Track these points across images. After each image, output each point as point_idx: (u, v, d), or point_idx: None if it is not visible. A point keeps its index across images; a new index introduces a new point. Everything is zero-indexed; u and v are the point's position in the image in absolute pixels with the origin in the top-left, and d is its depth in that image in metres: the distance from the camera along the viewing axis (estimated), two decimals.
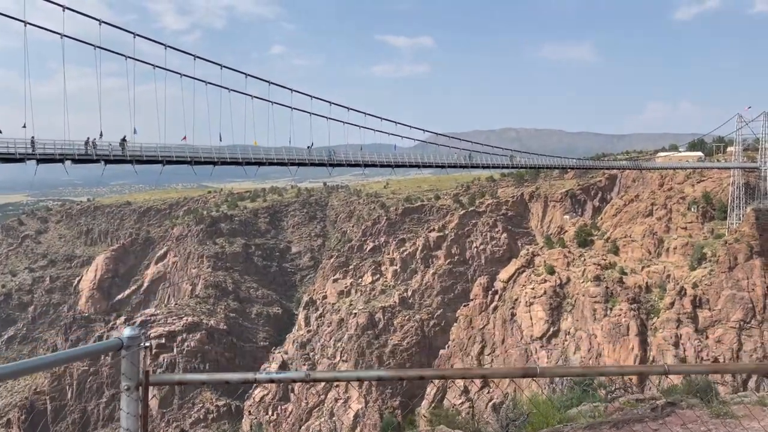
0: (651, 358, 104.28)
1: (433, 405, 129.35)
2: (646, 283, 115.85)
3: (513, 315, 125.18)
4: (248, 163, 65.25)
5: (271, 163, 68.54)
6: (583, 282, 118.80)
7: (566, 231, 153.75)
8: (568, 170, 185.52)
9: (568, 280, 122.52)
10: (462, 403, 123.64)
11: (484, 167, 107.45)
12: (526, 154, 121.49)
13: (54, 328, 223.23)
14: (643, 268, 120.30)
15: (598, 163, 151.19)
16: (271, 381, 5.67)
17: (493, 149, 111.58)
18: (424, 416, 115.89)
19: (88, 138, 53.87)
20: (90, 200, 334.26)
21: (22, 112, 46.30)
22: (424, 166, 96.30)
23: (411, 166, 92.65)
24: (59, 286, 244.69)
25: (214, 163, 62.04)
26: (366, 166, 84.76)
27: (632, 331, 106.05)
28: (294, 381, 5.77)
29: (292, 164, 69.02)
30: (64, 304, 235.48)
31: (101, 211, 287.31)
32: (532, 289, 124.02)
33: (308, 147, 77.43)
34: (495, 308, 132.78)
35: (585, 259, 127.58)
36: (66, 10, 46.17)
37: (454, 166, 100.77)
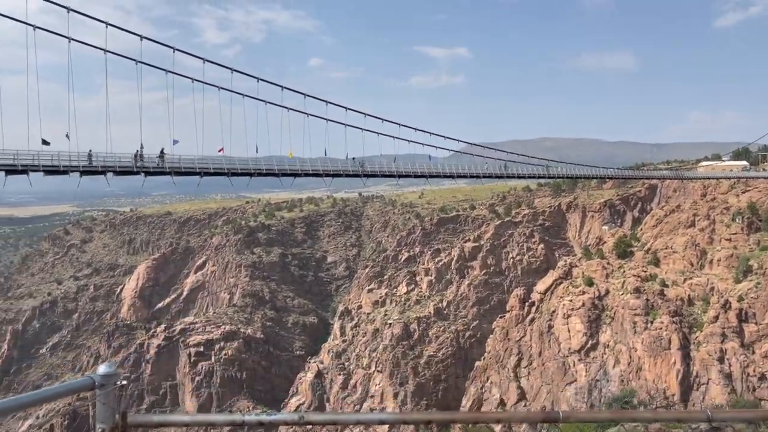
0: (694, 373, 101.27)
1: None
2: (689, 295, 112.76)
3: (550, 327, 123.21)
4: (284, 174, 66.07)
5: (307, 174, 69.29)
6: (622, 294, 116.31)
7: (605, 242, 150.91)
8: (607, 180, 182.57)
9: (607, 292, 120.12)
10: None
11: (520, 177, 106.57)
12: (564, 163, 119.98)
13: (97, 335, 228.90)
14: (685, 280, 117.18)
15: (637, 173, 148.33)
16: (261, 424, 5.21)
17: (529, 159, 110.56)
18: (460, 428, 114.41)
19: (137, 151, 55.44)
20: (132, 210, 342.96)
21: (68, 125, 47.99)
22: (459, 177, 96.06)
23: (446, 176, 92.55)
24: (103, 294, 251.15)
25: (251, 175, 63.01)
26: (400, 176, 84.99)
27: (674, 344, 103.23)
28: (287, 424, 5.27)
29: (327, 175, 69.65)
30: (107, 311, 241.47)
31: (143, 221, 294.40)
32: (570, 300, 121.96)
33: (353, 159, 78.06)
34: (532, 320, 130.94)
35: (624, 271, 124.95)
36: (108, 26, 47.72)
37: (490, 176, 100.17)
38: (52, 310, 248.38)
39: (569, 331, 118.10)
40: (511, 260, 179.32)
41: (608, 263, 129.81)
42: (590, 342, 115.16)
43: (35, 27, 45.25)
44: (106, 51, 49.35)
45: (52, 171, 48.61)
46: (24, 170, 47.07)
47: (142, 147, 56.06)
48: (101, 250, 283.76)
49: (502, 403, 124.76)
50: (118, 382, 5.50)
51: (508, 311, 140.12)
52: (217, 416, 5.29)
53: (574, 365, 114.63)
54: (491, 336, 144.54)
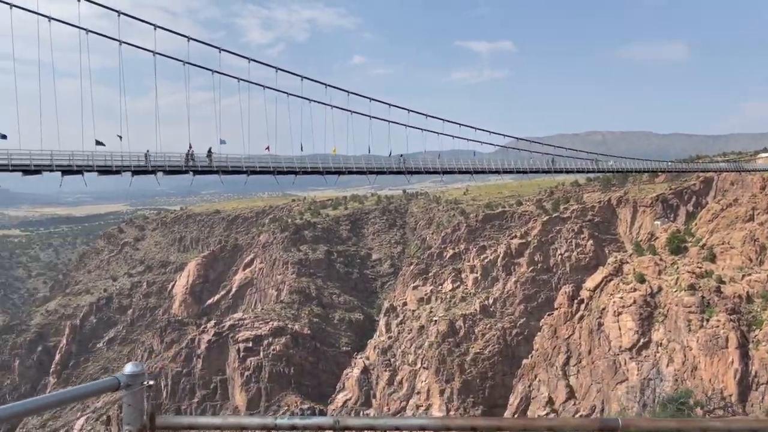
0: (753, 373, 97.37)
1: (515, 416, 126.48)
2: (747, 292, 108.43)
3: (600, 325, 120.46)
4: (328, 172, 66.50)
5: (351, 172, 69.56)
6: (676, 291, 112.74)
7: (657, 237, 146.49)
8: (659, 174, 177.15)
9: (660, 289, 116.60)
10: (546, 414, 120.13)
11: (567, 172, 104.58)
12: (613, 157, 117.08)
13: (151, 330, 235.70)
14: (743, 276, 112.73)
15: (692, 166, 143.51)
16: (294, 428, 4.84)
17: (577, 153, 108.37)
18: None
19: (189, 151, 56.68)
20: (182, 209, 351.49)
21: (120, 126, 49.37)
22: (505, 172, 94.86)
23: (491, 172, 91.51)
24: (155, 291, 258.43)
25: (296, 173, 63.64)
26: (445, 173, 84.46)
27: (732, 343, 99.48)
28: (322, 429, 4.99)
29: (371, 172, 69.74)
30: (159, 307, 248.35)
31: (193, 220, 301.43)
32: (621, 298, 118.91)
33: (401, 156, 77.97)
34: (581, 318, 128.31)
35: (678, 267, 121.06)
36: (157, 28, 48.81)
37: (537, 172, 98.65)
38: (108, 305, 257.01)
39: (620, 329, 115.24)
40: (559, 257, 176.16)
41: (661, 259, 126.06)
42: (642, 340, 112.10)
43: (88, 31, 46.65)
44: (155, 53, 50.51)
45: (105, 171, 50.13)
46: (79, 170, 48.66)
47: (190, 147, 57.25)
48: (153, 247, 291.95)
49: (550, 401, 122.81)
50: (145, 382, 5.20)
51: (556, 309, 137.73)
52: (249, 419, 4.95)
53: (625, 364, 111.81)
54: (539, 334, 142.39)
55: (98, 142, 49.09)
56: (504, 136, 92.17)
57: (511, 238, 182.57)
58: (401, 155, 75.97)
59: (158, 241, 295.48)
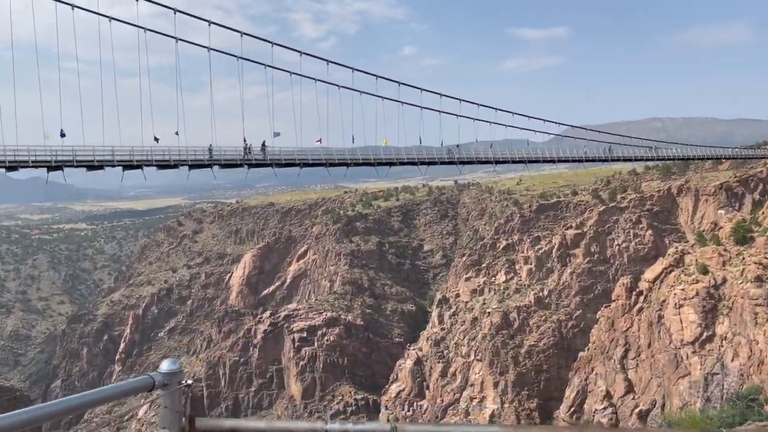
0: None
1: (572, 409, 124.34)
2: None
3: (660, 317, 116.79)
4: (380, 164, 66.59)
5: (402, 163, 69.45)
6: (741, 283, 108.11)
7: (721, 227, 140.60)
8: (723, 161, 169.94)
9: (724, 280, 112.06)
10: (604, 408, 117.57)
11: (625, 160, 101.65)
12: (674, 144, 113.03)
13: (209, 320, 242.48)
14: None
15: (758, 152, 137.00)
16: None
17: (635, 140, 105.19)
18: (563, 420, 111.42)
19: (247, 144, 57.85)
20: (238, 202, 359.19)
21: (177, 122, 50.75)
22: (560, 161, 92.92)
23: (545, 161, 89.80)
24: (213, 282, 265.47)
25: (347, 164, 63.99)
26: (498, 163, 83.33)
27: None
28: None
29: (423, 163, 69.47)
30: (217, 298, 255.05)
31: (248, 212, 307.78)
32: (682, 290, 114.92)
33: (456, 146, 77.42)
34: (640, 310, 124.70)
35: (744, 258, 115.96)
36: (211, 24, 49.77)
37: (593, 160, 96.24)
38: (168, 296, 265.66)
39: (681, 321, 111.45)
40: (617, 247, 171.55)
41: (725, 250, 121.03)
42: (705, 333, 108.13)
43: (146, 29, 48.00)
44: (209, 49, 51.58)
45: (163, 165, 51.66)
46: (139, 165, 50.31)
47: (245, 141, 58.31)
48: (211, 240, 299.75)
49: (608, 395, 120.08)
50: (183, 382, 4.76)
51: (614, 300, 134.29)
52: (297, 423, 4.63)
53: (687, 358, 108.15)
54: (596, 326, 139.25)
55: (156, 138, 50.71)
56: (558, 124, 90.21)
57: (567, 229, 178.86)
58: (457, 145, 75.31)
59: (215, 234, 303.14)
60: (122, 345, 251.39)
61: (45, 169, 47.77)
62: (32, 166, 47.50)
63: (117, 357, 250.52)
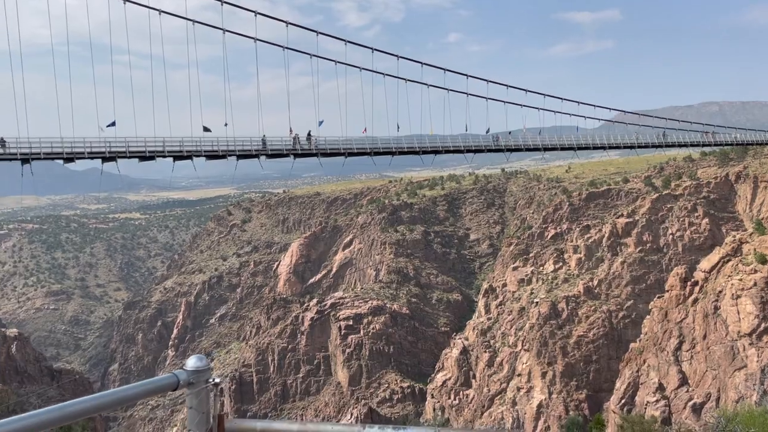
0: None
1: (622, 401, 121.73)
2: None
3: (716, 308, 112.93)
4: (425, 152, 66.13)
5: (448, 151, 68.82)
6: None
7: None
8: None
9: None
10: (656, 401, 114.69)
11: (680, 146, 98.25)
12: (731, 129, 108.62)
13: (258, 307, 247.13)
14: None
15: None
16: None
17: (691, 126, 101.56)
18: (614, 412, 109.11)
19: (295, 135, 58.45)
20: (285, 192, 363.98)
21: (225, 113, 51.56)
22: (611, 148, 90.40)
23: (595, 147, 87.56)
24: (261, 270, 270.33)
25: (393, 153, 63.79)
26: (546, 150, 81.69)
27: None
28: None
29: (469, 151, 68.65)
30: (265, 286, 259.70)
31: (295, 202, 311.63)
32: (740, 280, 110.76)
33: (509, 133, 76.45)
34: (695, 300, 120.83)
35: None
36: (258, 15, 50.20)
37: (646, 146, 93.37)
38: (218, 284, 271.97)
39: (739, 312, 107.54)
40: (670, 236, 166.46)
41: None
42: (763, 325, 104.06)
43: (195, 22, 48.78)
44: (256, 40, 52.09)
45: (212, 156, 52.58)
46: (189, 156, 51.35)
47: (291, 131, 58.80)
48: (259, 229, 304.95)
49: (661, 387, 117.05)
50: (211, 380, 4.41)
51: (667, 291, 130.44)
52: (332, 426, 4.30)
53: (744, 350, 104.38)
54: (648, 317, 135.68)
55: (205, 129, 51.65)
56: (609, 109, 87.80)
57: (617, 217, 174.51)
58: (509, 132, 74.13)
59: (263, 223, 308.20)
60: (175, 331, 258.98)
61: (100, 160, 49.45)
62: (88, 158, 49.20)
63: (170, 342, 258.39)
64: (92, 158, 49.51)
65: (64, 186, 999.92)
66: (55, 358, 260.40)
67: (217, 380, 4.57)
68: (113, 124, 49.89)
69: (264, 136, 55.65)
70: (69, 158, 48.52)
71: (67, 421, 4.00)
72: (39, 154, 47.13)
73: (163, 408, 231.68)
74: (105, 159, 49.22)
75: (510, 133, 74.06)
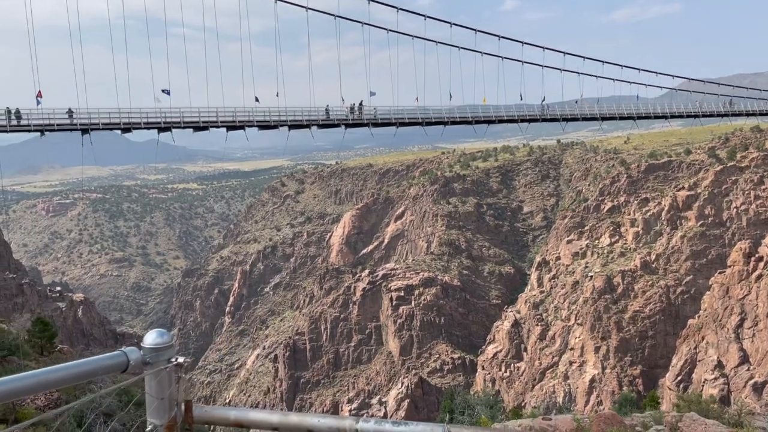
0: None
1: (678, 378, 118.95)
2: None
3: None
4: (478, 122, 64.95)
5: (501, 121, 67.36)
6: None
7: None
8: None
9: None
10: (715, 378, 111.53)
11: (747, 115, 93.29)
12: None
13: (311, 277, 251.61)
14: None
15: None
16: None
17: (759, 94, 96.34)
18: (669, 388, 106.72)
19: (352, 104, 58.54)
20: (338, 163, 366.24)
21: (279, 84, 51.87)
22: (673, 117, 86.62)
23: (656, 117, 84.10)
24: (314, 241, 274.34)
25: (445, 123, 62.93)
26: (604, 119, 78.98)
27: None
28: None
29: (523, 121, 67.03)
30: (318, 256, 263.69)
31: (347, 173, 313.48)
32: None
33: (575, 102, 74.45)
34: (759, 276, 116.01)
35: None
36: None
37: (710, 115, 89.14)
38: (273, 253, 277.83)
39: None
40: (734, 210, 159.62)
41: None
42: None
43: None
44: (308, 9, 51.95)
45: (264, 126, 53.12)
46: (241, 126, 52.06)
47: (343, 101, 58.78)
48: (312, 200, 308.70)
49: (719, 365, 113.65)
50: (174, 359, 3.71)
51: (730, 266, 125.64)
52: (320, 418, 3.62)
53: None
54: (708, 293, 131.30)
55: (257, 99, 52.21)
56: (673, 77, 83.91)
57: (678, 190, 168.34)
58: (575, 101, 71.89)
59: (316, 194, 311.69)
60: (231, 299, 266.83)
61: (156, 130, 50.76)
62: (144, 128, 50.58)
63: (227, 309, 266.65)
64: (148, 128, 50.88)
65: (126, 157, 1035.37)
66: (119, 323, 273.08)
67: (180, 359, 3.82)
68: (168, 92, 51.04)
69: (328, 106, 56.19)
70: (126, 128, 50.01)
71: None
72: (98, 124, 48.75)
73: (220, 373, 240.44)
74: (160, 129, 50.54)
75: (576, 102, 71.79)
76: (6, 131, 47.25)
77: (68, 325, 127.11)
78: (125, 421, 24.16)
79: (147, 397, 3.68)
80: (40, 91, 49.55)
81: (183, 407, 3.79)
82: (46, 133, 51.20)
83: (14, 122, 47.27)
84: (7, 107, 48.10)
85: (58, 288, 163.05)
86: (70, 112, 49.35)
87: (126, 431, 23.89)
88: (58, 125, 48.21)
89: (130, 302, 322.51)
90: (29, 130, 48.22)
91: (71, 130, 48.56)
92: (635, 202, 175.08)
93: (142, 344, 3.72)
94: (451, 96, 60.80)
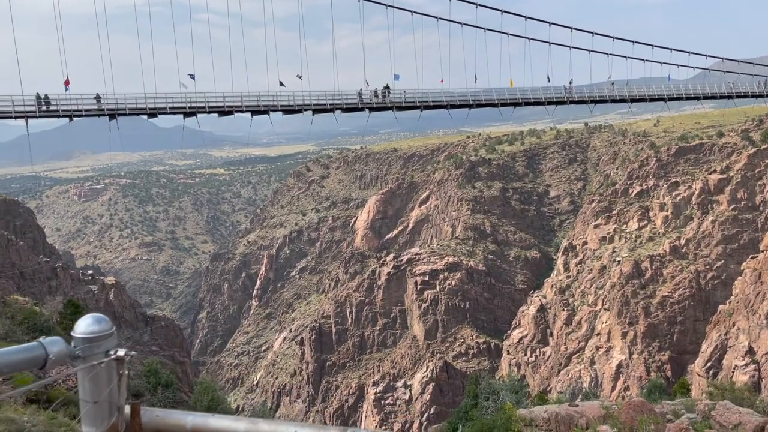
0: None
1: (708, 364, 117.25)
2: None
3: None
4: (503, 104, 64.06)
5: (528, 103, 66.37)
6: None
7: None
8: None
9: None
10: (745, 365, 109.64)
11: None
12: None
13: (336, 261, 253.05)
14: None
15: None
16: None
17: None
18: (698, 374, 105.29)
19: (376, 89, 58.31)
20: (362, 148, 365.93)
21: (301, 69, 51.74)
22: (705, 98, 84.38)
23: (688, 98, 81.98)
24: (339, 225, 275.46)
25: (470, 106, 62.20)
26: (633, 101, 77.29)
27: None
28: None
29: (550, 103, 65.94)
30: (343, 240, 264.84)
31: (372, 158, 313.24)
32: None
33: (611, 83, 73.11)
34: None
35: None
36: None
37: (745, 96, 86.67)
38: (299, 238, 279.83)
39: None
40: None
41: None
42: None
43: None
44: None
45: (288, 110, 53.14)
46: (265, 110, 52.13)
47: (367, 84, 58.45)
48: (337, 185, 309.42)
49: (750, 351, 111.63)
50: (113, 352, 3.00)
51: (762, 251, 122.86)
52: (294, 427, 3.19)
53: None
54: (739, 278, 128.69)
55: (281, 83, 52.23)
56: (706, 57, 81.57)
57: (710, 173, 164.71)
58: (612, 83, 70.35)
59: (341, 179, 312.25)
60: (258, 282, 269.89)
61: (182, 115, 51.14)
62: (170, 113, 50.98)
63: (254, 293, 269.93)
64: (174, 113, 51.27)
65: (154, 143, 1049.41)
66: (149, 305, 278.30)
67: (121, 352, 3.04)
68: (193, 76, 51.43)
69: (360, 89, 56.21)
70: (152, 113, 50.48)
71: None
72: (124, 109, 49.28)
73: (248, 355, 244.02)
74: (186, 114, 50.91)
75: (613, 83, 70.29)
76: (36, 116, 48.07)
77: (100, 307, 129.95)
78: (153, 403, 24.63)
79: (80, 400, 2.93)
80: (67, 78, 50.26)
81: (121, 411, 3.03)
82: (78, 119, 52.01)
83: (44, 108, 48.07)
84: (37, 93, 48.87)
85: (91, 271, 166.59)
86: (97, 97, 49.98)
87: None
88: (85, 110, 48.85)
89: (160, 286, 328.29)
90: (58, 116, 48.96)
91: (98, 115, 49.20)
92: (665, 185, 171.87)
93: (72, 333, 3.03)
94: (476, 78, 60.01)
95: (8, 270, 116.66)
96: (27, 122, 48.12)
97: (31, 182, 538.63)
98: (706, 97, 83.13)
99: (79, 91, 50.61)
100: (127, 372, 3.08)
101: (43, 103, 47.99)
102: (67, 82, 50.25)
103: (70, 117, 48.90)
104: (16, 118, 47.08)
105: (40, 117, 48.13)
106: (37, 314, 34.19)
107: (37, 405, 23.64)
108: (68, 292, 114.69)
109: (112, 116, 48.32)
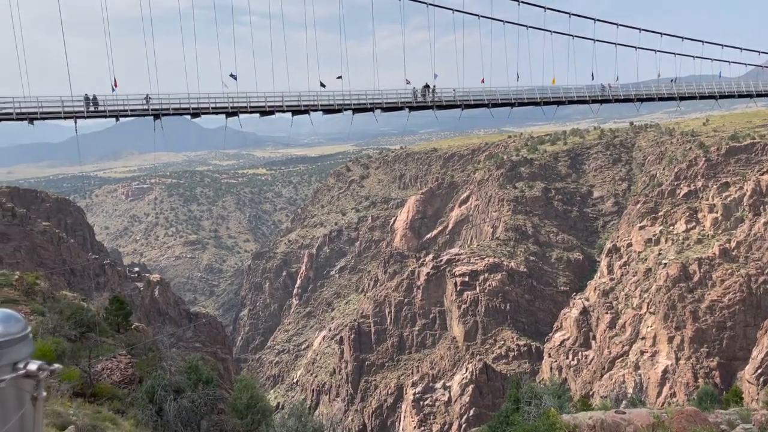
0: None
1: (759, 371, 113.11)
2: None
3: None
4: (546, 103, 62.90)
5: (571, 102, 65.02)
6: None
7: None
8: None
9: None
10: None
11: None
12: None
13: (375, 261, 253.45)
14: None
15: None
16: None
17: None
18: (749, 382, 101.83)
19: (414, 88, 58.15)
20: (402, 148, 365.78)
21: (343, 69, 51.94)
22: (759, 96, 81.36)
23: (740, 96, 79.18)
24: (379, 225, 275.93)
25: (512, 105, 61.29)
26: (682, 99, 74.91)
27: None
28: None
29: (594, 101, 64.45)
30: (382, 240, 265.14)
31: (412, 158, 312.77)
32: None
33: (671, 80, 71.14)
34: None
35: None
36: None
37: None
38: (338, 237, 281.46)
39: None
40: None
41: None
42: None
43: None
44: None
45: (329, 110, 53.33)
46: (306, 110, 52.43)
47: (407, 83, 58.19)
48: (376, 185, 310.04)
49: None
50: (23, 365, 2.14)
51: None
52: None
53: None
54: None
55: (321, 84, 52.47)
56: (759, 53, 78.58)
57: (762, 174, 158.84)
58: (672, 80, 68.27)
59: (381, 179, 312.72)
60: (298, 281, 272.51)
61: (224, 115, 51.92)
62: (212, 113, 51.83)
63: (294, 291, 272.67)
64: (216, 113, 52.05)
65: (198, 143, 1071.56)
66: (193, 303, 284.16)
67: (33, 366, 2.15)
68: (235, 76, 52.20)
69: (414, 87, 56.43)
70: (195, 113, 51.38)
71: None
72: (168, 109, 50.27)
73: (288, 353, 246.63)
74: (228, 114, 51.64)
75: (672, 80, 68.35)
76: (84, 117, 49.50)
77: (146, 304, 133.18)
78: (194, 399, 24.91)
79: None
80: (115, 80, 51.60)
81: None
82: (126, 120, 53.26)
83: (91, 108, 49.46)
84: (86, 94, 50.34)
85: (137, 269, 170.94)
86: (147, 98, 51.18)
87: (195, 408, 24.61)
88: (131, 110, 50.06)
89: (203, 283, 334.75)
90: (105, 116, 50.31)
91: (143, 115, 50.35)
92: (714, 186, 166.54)
93: None
94: (518, 77, 59.13)
95: (60, 266, 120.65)
96: (76, 122, 49.58)
97: (82, 182, 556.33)
98: (759, 95, 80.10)
99: (126, 93, 52.00)
100: (44, 394, 2.18)
101: (91, 104, 49.44)
102: (115, 84, 51.63)
103: (117, 117, 50.19)
104: (65, 118, 48.61)
105: (88, 117, 49.54)
106: (84, 310, 35.06)
107: (82, 399, 24.15)
108: (115, 289, 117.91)
109: (156, 116, 49.36)
